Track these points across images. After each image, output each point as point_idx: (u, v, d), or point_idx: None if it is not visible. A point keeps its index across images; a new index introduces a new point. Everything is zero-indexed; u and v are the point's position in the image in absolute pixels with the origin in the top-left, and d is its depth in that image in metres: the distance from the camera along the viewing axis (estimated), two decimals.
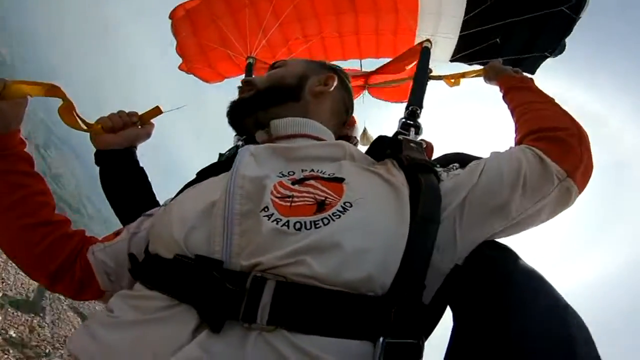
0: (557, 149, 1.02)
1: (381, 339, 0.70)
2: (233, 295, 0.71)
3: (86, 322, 0.85)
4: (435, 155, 1.49)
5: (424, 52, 2.08)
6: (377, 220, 0.81)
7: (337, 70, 1.40)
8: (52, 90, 1.10)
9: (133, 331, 0.75)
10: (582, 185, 1.03)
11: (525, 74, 1.59)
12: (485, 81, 1.77)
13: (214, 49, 2.89)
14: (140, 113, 1.36)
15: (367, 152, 1.23)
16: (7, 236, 1.03)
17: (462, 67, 2.66)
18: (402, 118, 1.58)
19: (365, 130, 2.68)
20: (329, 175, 0.92)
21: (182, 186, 1.14)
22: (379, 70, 2.51)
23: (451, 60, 2.61)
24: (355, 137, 1.94)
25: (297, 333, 0.68)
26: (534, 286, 0.90)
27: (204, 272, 0.75)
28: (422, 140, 1.36)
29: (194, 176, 1.19)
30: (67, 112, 1.16)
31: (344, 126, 1.45)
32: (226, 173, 0.99)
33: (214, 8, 2.69)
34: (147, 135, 1.40)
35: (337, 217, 0.78)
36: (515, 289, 0.91)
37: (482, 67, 1.89)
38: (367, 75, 2.54)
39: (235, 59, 2.93)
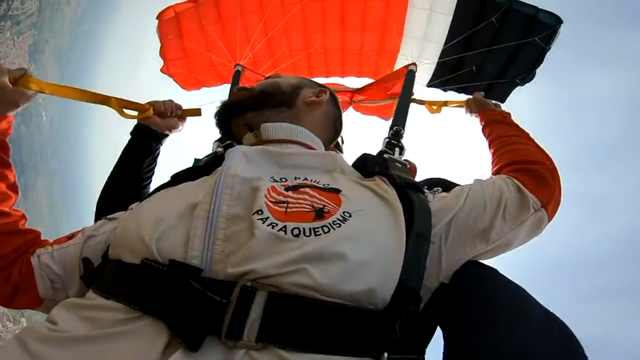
0: (533, 182, 1.11)
1: (386, 355, 0.68)
2: (215, 307, 0.62)
3: (19, 335, 0.69)
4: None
5: (409, 75, 2.19)
6: (376, 233, 0.79)
7: (328, 88, 1.43)
8: (93, 97, 1.22)
9: (85, 348, 0.63)
10: (552, 215, 1.13)
11: (495, 101, 1.75)
12: (466, 112, 1.87)
13: (196, 54, 2.87)
14: (184, 108, 1.51)
15: (355, 167, 1.23)
16: None
17: (438, 92, 2.87)
18: (387, 137, 1.61)
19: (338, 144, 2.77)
20: (324, 185, 0.90)
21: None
22: (364, 88, 2.61)
23: (428, 85, 2.81)
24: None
25: (292, 351, 0.61)
26: (519, 304, 0.95)
27: (179, 280, 0.66)
28: (406, 160, 1.42)
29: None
30: (119, 109, 1.31)
31: (331, 144, 1.43)
32: (206, 177, 0.95)
33: (205, 14, 2.69)
34: (180, 128, 1.53)
35: (338, 225, 0.74)
36: (501, 306, 0.96)
37: (464, 97, 2.02)
38: (353, 92, 2.64)
39: (219, 67, 2.94)
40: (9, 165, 1.03)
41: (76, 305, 0.74)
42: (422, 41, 2.52)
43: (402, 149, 1.55)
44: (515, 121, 1.52)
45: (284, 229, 0.70)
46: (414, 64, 2.19)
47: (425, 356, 0.84)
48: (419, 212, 0.88)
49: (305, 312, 0.63)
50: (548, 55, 2.26)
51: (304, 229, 0.71)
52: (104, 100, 1.26)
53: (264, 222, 0.71)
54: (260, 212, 0.73)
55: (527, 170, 1.15)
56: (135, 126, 1.48)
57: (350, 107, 2.77)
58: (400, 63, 2.72)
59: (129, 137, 1.49)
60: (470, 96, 1.93)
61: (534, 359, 0.79)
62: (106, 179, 1.47)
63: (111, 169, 1.49)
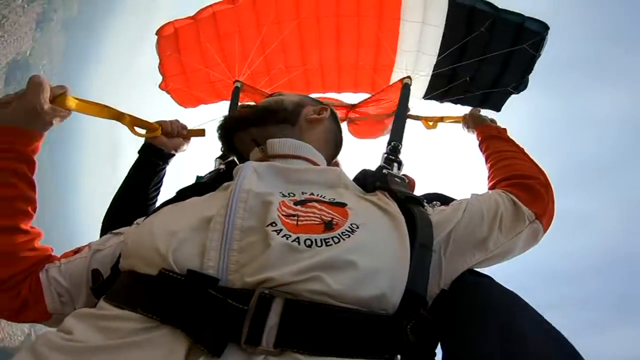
0: (527, 196, 1.19)
1: (399, 357, 0.71)
2: (235, 314, 0.65)
3: (34, 345, 0.70)
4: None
5: (405, 89, 2.21)
6: (383, 244, 0.83)
7: (329, 106, 1.49)
8: (110, 113, 1.27)
9: (102, 358, 0.65)
10: (547, 227, 1.19)
11: (491, 111, 1.79)
12: (463, 127, 1.95)
13: (196, 71, 2.92)
14: (189, 128, 1.60)
15: (355, 182, 1.31)
16: None
17: (435, 105, 2.90)
18: (385, 153, 1.63)
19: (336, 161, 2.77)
20: (330, 199, 0.94)
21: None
22: (360, 104, 2.64)
23: (424, 98, 2.84)
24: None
25: (309, 355, 0.64)
26: (514, 311, 0.96)
27: (197, 289, 0.68)
28: (404, 175, 1.45)
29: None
30: (131, 127, 1.36)
31: (332, 160, 1.48)
32: (215, 192, 1.00)
33: (203, 30, 2.75)
34: (185, 148, 1.62)
35: (347, 236, 0.78)
36: (496, 314, 0.96)
37: (461, 113, 2.07)
38: (349, 107, 2.67)
39: (217, 84, 2.98)
40: (34, 185, 1.05)
41: (91, 316, 0.75)
42: (416, 54, 2.57)
43: (400, 164, 1.55)
44: (511, 137, 1.59)
45: (297, 240, 0.74)
46: (409, 77, 2.21)
47: None
48: (421, 224, 0.92)
49: (320, 317, 0.66)
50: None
51: (315, 239, 0.75)
52: (119, 116, 1.32)
53: (278, 234, 0.75)
54: (274, 225, 0.77)
55: (522, 185, 1.22)
56: (143, 145, 1.55)
57: (345, 124, 2.79)
58: (395, 77, 2.76)
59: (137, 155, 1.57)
60: (467, 111, 2.00)
61: None
62: (113, 195, 1.52)
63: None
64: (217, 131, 1.31)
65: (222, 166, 1.63)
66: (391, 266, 0.79)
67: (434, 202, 1.18)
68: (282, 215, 0.81)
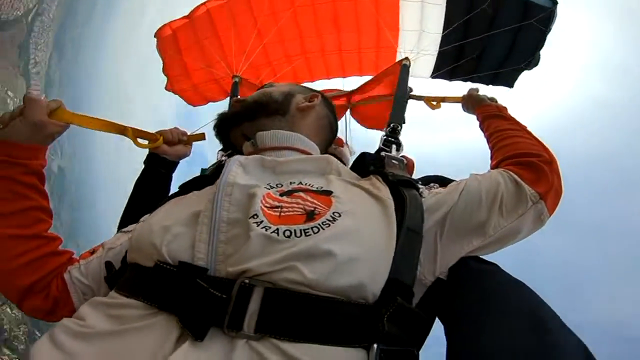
0: (531, 174, 1.11)
1: (375, 346, 0.69)
2: (218, 302, 0.69)
3: (51, 332, 0.78)
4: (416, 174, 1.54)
5: (403, 70, 2.13)
6: (366, 231, 0.83)
7: (320, 93, 1.46)
8: (111, 127, 1.29)
9: (110, 342, 0.71)
10: (552, 207, 1.11)
11: (491, 96, 1.68)
12: (463, 109, 1.85)
13: (198, 70, 2.91)
14: (189, 133, 1.62)
15: (351, 168, 1.29)
16: None
17: (444, 84, 2.76)
18: (384, 135, 1.60)
19: (346, 143, 2.72)
20: (317, 188, 0.94)
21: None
22: (360, 89, 2.56)
23: (432, 77, 2.71)
24: (344, 158, 1.97)
25: (287, 341, 0.66)
26: (516, 301, 0.95)
27: (187, 279, 0.73)
28: (403, 156, 1.41)
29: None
30: (133, 139, 1.37)
31: (329, 145, 1.48)
32: (211, 186, 1.01)
33: (200, 29, 2.72)
34: (188, 154, 1.64)
35: (327, 225, 0.79)
36: (502, 301, 0.94)
37: (462, 92, 1.95)
38: (349, 94, 2.59)
39: (222, 82, 2.96)
40: (45, 194, 1.12)
41: (102, 304, 0.82)
42: (419, 33, 2.44)
43: (399, 145, 1.52)
44: (511, 115, 1.50)
45: (276, 231, 0.76)
46: (407, 58, 2.13)
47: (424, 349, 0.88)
48: (410, 207, 0.92)
49: (298, 305, 0.69)
50: None
51: (295, 230, 0.77)
52: (122, 130, 1.34)
53: (258, 225, 0.77)
54: (255, 217, 0.79)
55: (525, 163, 1.15)
56: (148, 155, 1.61)
57: (348, 114, 2.72)
58: (400, 57, 2.63)
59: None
60: (467, 91, 1.88)
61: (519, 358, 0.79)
62: (125, 203, 1.59)
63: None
64: (213, 129, 1.34)
65: (224, 158, 1.68)
66: (373, 254, 0.79)
67: (432, 184, 1.14)
68: (265, 206, 0.83)
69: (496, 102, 1.65)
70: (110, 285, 0.95)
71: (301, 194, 0.90)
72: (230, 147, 1.38)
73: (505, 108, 1.56)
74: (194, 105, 3.25)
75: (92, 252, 1.13)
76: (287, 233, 0.76)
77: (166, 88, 3.14)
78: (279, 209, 0.83)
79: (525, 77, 2.38)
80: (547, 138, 1.27)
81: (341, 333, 0.70)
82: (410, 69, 2.74)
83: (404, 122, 2.18)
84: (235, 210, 0.84)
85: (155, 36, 2.81)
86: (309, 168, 1.06)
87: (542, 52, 2.21)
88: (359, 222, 0.84)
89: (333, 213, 0.82)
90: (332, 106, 1.47)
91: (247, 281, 0.70)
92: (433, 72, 2.66)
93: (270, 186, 0.94)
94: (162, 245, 0.81)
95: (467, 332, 0.90)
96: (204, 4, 2.68)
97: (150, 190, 1.58)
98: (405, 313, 0.76)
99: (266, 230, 0.76)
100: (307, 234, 0.76)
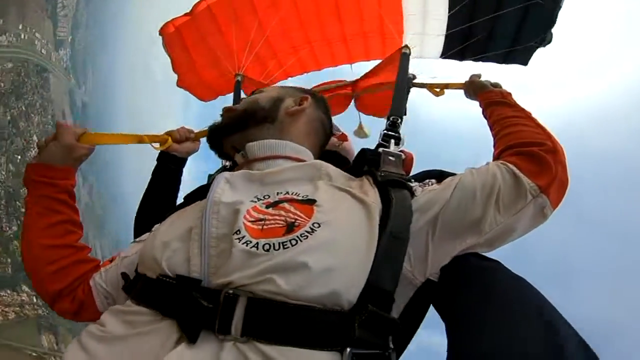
0: (531, 165, 1.05)
1: (348, 350, 0.74)
2: (208, 310, 0.77)
3: (79, 336, 0.91)
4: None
5: (403, 59, 2.04)
6: (344, 240, 0.85)
7: (312, 93, 1.43)
8: (130, 139, 1.46)
9: (124, 344, 0.83)
10: (556, 201, 1.05)
11: (494, 81, 1.58)
12: (465, 95, 1.75)
13: (206, 66, 2.92)
14: (195, 131, 1.70)
15: (352, 165, 1.30)
16: (32, 252, 1.20)
17: (453, 64, 2.63)
18: (384, 129, 1.55)
19: (360, 125, 2.68)
20: (302, 197, 0.96)
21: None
22: (362, 79, 2.48)
23: (443, 57, 2.58)
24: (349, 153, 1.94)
25: (267, 344, 0.73)
26: (518, 300, 0.91)
27: (183, 290, 0.82)
28: (401, 151, 1.37)
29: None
30: (150, 143, 1.55)
31: (324, 146, 1.45)
32: (202, 201, 1.05)
33: (202, 25, 2.70)
34: (196, 149, 1.72)
35: (305, 237, 0.82)
36: (504, 298, 0.91)
37: (465, 79, 1.85)
38: (353, 84, 2.52)
39: (230, 76, 2.96)
40: (75, 209, 1.29)
41: (119, 311, 0.93)
42: (423, 15, 2.32)
43: (398, 139, 1.47)
44: (515, 100, 1.42)
45: (256, 245, 0.82)
46: (406, 46, 2.03)
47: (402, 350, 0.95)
48: (395, 211, 0.93)
49: (276, 312, 0.75)
50: None
51: (274, 244, 0.81)
52: (140, 139, 1.52)
53: (240, 241, 0.83)
54: (238, 232, 0.85)
55: (526, 153, 1.09)
56: (159, 153, 1.74)
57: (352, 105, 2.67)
58: (406, 40, 2.52)
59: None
60: (469, 77, 1.79)
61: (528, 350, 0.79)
62: (140, 199, 1.78)
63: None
64: (207, 141, 1.38)
65: (228, 164, 1.79)
66: (349, 264, 0.82)
67: (427, 181, 1.12)
68: (249, 221, 0.88)
69: (500, 87, 1.56)
70: (127, 293, 1.03)
71: (285, 204, 0.93)
72: (224, 157, 1.41)
73: (509, 94, 1.47)
74: (205, 101, 3.27)
75: (111, 260, 1.24)
76: (267, 247, 0.81)
77: (177, 84, 3.18)
78: (262, 222, 0.88)
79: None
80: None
81: (316, 337, 0.75)
82: (420, 51, 2.65)
83: (405, 114, 2.13)
84: (223, 226, 0.89)
85: (159, 34, 2.81)
86: (297, 176, 1.07)
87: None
88: (337, 232, 0.86)
89: (313, 224, 0.86)
90: (325, 106, 1.44)
91: (231, 292, 0.78)
92: (443, 53, 2.54)
93: (258, 198, 0.98)
94: (162, 260, 0.90)
95: (469, 331, 0.89)
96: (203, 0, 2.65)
97: (163, 185, 1.75)
98: (377, 319, 0.79)
99: (246, 245, 0.82)
100: (285, 246, 0.81)
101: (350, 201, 0.97)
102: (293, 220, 0.87)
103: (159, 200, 1.73)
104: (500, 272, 1.05)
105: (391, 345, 0.82)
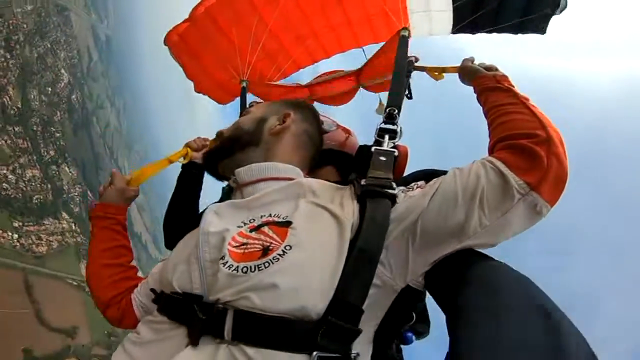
0: (521, 161, 0.98)
1: (314, 353, 0.85)
2: (204, 320, 0.94)
3: (122, 343, 1.14)
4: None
5: (401, 42, 1.92)
6: (312, 260, 0.95)
7: (297, 105, 1.43)
8: (163, 165, 1.71)
9: (152, 347, 1.04)
10: (552, 197, 0.97)
11: (489, 64, 1.45)
12: (460, 81, 1.61)
13: (217, 71, 2.95)
14: (210, 139, 1.82)
15: (353, 165, 1.39)
16: (93, 268, 1.50)
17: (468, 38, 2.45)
18: (381, 122, 1.47)
19: (380, 102, 2.60)
20: (282, 218, 1.06)
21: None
22: (366, 67, 2.38)
23: (453, 32, 2.41)
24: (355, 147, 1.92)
25: (252, 347, 0.88)
26: (526, 295, 0.89)
27: (188, 304, 1.00)
28: (394, 147, 1.31)
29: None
30: (178, 160, 1.81)
31: (315, 157, 1.46)
32: (198, 228, 1.18)
33: (204, 29, 2.72)
34: None
35: (277, 260, 0.94)
36: (507, 297, 0.89)
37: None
38: (357, 73, 2.42)
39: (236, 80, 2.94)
40: (127, 238, 1.60)
41: (149, 321, 1.13)
42: None
43: (393, 133, 1.40)
44: (511, 85, 1.31)
45: (237, 268, 0.96)
46: (405, 28, 1.91)
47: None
48: (367, 225, 0.98)
49: (255, 322, 0.90)
50: None
51: (250, 266, 0.95)
52: (169, 161, 1.76)
53: (224, 266, 0.98)
54: (223, 258, 0.99)
55: (516, 146, 1.03)
56: (183, 164, 2.00)
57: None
58: (414, 18, 2.37)
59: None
60: (462, 62, 1.66)
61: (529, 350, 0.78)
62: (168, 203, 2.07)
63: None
64: (204, 168, 1.53)
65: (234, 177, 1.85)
66: (315, 282, 0.91)
67: (413, 185, 1.09)
68: (232, 247, 1.02)
69: (495, 70, 1.42)
70: (156, 304, 1.20)
71: (265, 228, 1.04)
72: (222, 180, 1.46)
73: (504, 77, 1.35)
74: (224, 104, 3.32)
75: (146, 276, 1.47)
76: (245, 269, 0.95)
77: (195, 91, 3.25)
78: (244, 247, 1.01)
79: None
80: None
81: (288, 342, 0.87)
82: (429, 28, 2.48)
83: (410, 98, 2.04)
84: (213, 252, 1.04)
85: (165, 43, 2.87)
86: (281, 197, 1.15)
87: None
88: (307, 253, 0.96)
89: (285, 247, 0.96)
90: (311, 115, 1.44)
91: (221, 306, 0.93)
92: (454, 28, 2.37)
93: (244, 223, 1.09)
94: (173, 280, 1.09)
95: (471, 329, 0.88)
96: (200, 3, 2.65)
97: (187, 187, 2.04)
98: (338, 330, 0.88)
99: (229, 269, 0.96)
100: (260, 268, 0.93)
101: (325, 219, 1.03)
102: (268, 245, 0.98)
103: (186, 199, 2.03)
104: (502, 270, 1.00)
105: (354, 351, 0.90)
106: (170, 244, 1.87)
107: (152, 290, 1.27)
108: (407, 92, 2.07)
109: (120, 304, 1.42)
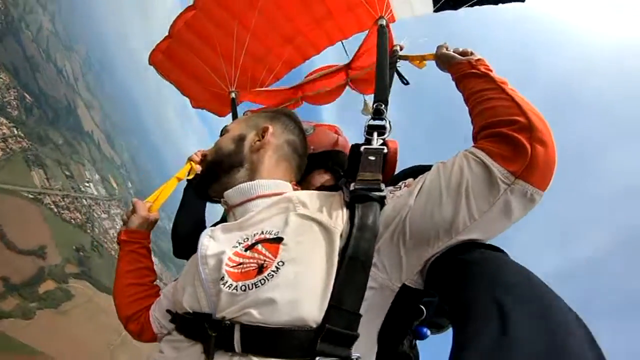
0: (503, 149, 0.95)
1: (317, 359, 0.90)
2: (217, 336, 1.00)
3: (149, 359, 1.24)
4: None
5: (380, 33, 1.84)
6: (305, 273, 0.98)
7: (274, 117, 1.43)
8: (173, 185, 1.83)
9: None
10: (541, 182, 0.94)
11: (464, 49, 1.39)
12: (438, 68, 1.54)
13: (207, 82, 2.93)
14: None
15: (347, 166, 1.35)
16: (118, 286, 1.62)
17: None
18: (368, 119, 1.43)
19: (365, 103, 2.56)
20: (273, 235, 1.08)
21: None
22: (353, 61, 2.32)
23: (435, 10, 2.32)
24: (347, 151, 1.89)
25: (259, 357, 0.93)
26: (530, 290, 0.86)
27: (198, 322, 1.06)
28: (383, 144, 1.29)
29: None
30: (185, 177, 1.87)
31: (302, 164, 1.48)
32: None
33: (186, 44, 2.72)
34: None
35: (271, 277, 0.98)
36: (504, 289, 0.86)
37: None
38: (345, 68, 2.36)
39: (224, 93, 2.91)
40: (151, 260, 1.74)
41: (170, 340, 1.21)
42: None
43: (382, 129, 1.37)
44: (488, 69, 1.25)
45: (236, 287, 1.00)
46: (381, 17, 1.85)
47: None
48: (356, 232, 1.00)
49: (259, 334, 0.95)
50: None
51: (248, 284, 0.99)
52: (178, 180, 1.87)
53: (224, 286, 1.02)
54: (223, 278, 1.04)
55: (496, 135, 1.00)
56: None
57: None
58: (392, 3, 2.29)
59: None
60: (436, 49, 1.60)
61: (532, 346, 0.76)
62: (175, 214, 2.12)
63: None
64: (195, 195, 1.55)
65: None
66: (310, 293, 0.95)
67: (401, 184, 1.09)
68: (230, 267, 1.06)
69: (470, 54, 1.36)
70: (174, 324, 1.27)
71: (258, 246, 1.07)
72: (217, 200, 1.47)
73: (480, 60, 1.29)
74: (222, 116, 3.29)
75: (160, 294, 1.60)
76: (243, 287, 0.99)
77: (193, 106, 3.27)
78: (241, 266, 1.05)
79: None
80: None
81: (290, 350, 0.92)
82: (411, 10, 2.39)
83: (406, 84, 1.98)
84: (213, 273, 1.09)
85: (150, 63, 2.88)
86: (271, 213, 1.17)
87: None
88: (299, 267, 0.99)
89: (278, 263, 1.00)
90: (292, 124, 1.44)
91: (228, 322, 0.99)
92: (434, 5, 2.29)
93: (239, 242, 1.12)
94: (183, 301, 1.15)
95: (475, 323, 0.85)
96: (178, 17, 2.65)
97: (194, 197, 2.07)
98: (335, 335, 0.93)
99: (229, 288, 1.01)
100: (257, 286, 0.98)
101: (315, 231, 1.05)
102: (262, 262, 1.02)
103: (192, 208, 2.09)
104: (502, 262, 0.97)
105: (355, 354, 0.94)
106: (179, 253, 1.99)
107: (168, 311, 1.34)
108: (402, 79, 2.03)
109: (140, 319, 1.54)
